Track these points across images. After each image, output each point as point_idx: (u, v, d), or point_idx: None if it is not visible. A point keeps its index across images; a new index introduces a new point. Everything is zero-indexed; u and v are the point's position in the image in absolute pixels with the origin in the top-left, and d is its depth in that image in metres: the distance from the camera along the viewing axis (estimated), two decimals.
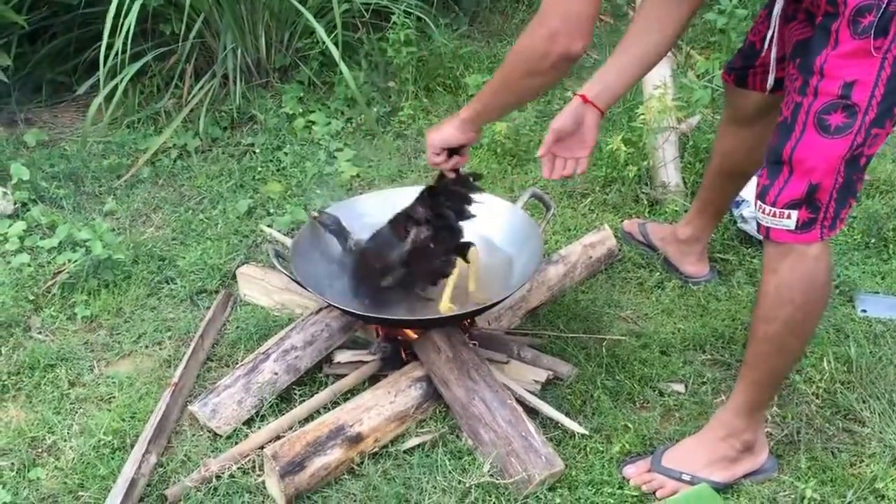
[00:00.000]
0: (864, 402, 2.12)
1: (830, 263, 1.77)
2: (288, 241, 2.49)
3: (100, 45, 3.30)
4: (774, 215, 1.68)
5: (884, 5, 1.54)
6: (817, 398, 2.14)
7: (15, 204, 2.90)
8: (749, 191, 2.58)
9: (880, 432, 2.04)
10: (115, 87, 3.13)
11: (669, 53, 3.11)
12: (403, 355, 2.19)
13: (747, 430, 1.91)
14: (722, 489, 1.90)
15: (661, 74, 2.98)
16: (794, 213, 1.67)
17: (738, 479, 1.93)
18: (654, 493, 1.91)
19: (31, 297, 2.52)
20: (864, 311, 2.41)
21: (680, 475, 1.91)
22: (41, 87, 3.59)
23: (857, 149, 1.64)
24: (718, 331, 2.35)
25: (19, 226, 2.77)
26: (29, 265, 2.62)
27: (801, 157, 1.65)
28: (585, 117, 1.86)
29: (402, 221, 2.11)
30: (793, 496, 1.91)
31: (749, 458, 1.94)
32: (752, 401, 1.89)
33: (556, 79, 1.74)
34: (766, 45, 2.04)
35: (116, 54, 2.97)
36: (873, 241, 2.67)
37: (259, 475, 1.94)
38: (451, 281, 2.14)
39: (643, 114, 2.81)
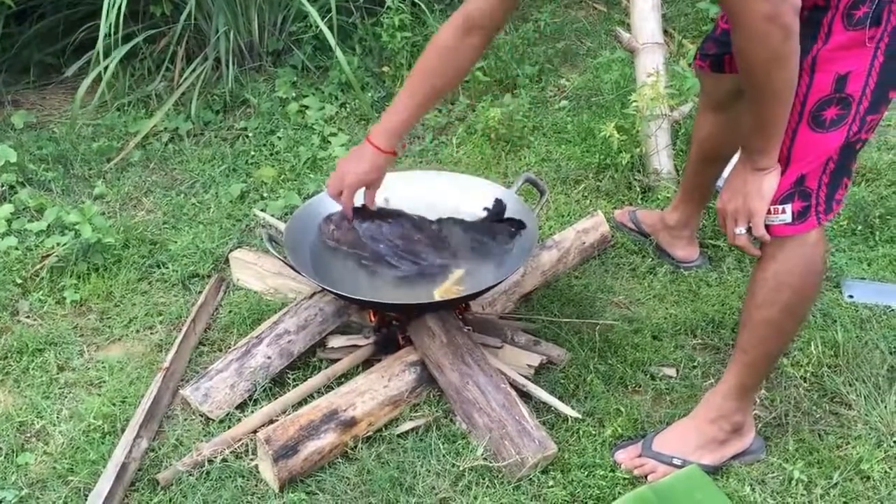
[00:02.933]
0: (850, 385, 2.14)
1: (826, 247, 1.79)
2: (281, 226, 2.49)
3: (88, 27, 3.29)
4: (771, 212, 1.69)
5: None
6: (805, 381, 2.16)
7: (2, 186, 2.88)
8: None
9: (866, 415, 2.06)
10: (105, 69, 3.11)
11: (662, 42, 3.13)
12: (400, 340, 2.19)
13: (738, 412, 1.93)
14: (711, 472, 1.91)
15: (653, 63, 3.00)
16: (788, 207, 1.69)
17: (727, 460, 1.96)
18: (645, 477, 1.93)
19: (19, 281, 2.50)
20: (851, 296, 2.44)
21: (671, 459, 1.92)
22: (29, 69, 3.56)
23: (853, 136, 1.65)
24: (709, 316, 2.37)
25: (6, 208, 2.75)
26: (17, 248, 2.61)
27: (797, 154, 1.66)
28: (381, 164, 2.07)
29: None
30: (781, 477, 1.93)
31: (737, 440, 1.96)
32: (744, 384, 1.91)
33: (796, 44, 1.50)
34: None
35: (106, 35, 2.95)
36: (860, 228, 2.69)
37: (252, 459, 1.94)
38: (455, 275, 2.17)
39: (636, 101, 2.81)
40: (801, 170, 1.67)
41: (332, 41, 3.18)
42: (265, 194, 2.93)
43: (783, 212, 1.69)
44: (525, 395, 2.06)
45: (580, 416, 2.05)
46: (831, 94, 1.61)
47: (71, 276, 2.52)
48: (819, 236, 1.75)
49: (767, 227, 1.71)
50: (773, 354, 1.91)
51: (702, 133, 2.38)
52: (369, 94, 3.40)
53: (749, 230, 1.71)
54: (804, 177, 1.67)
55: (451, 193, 2.32)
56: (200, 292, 2.45)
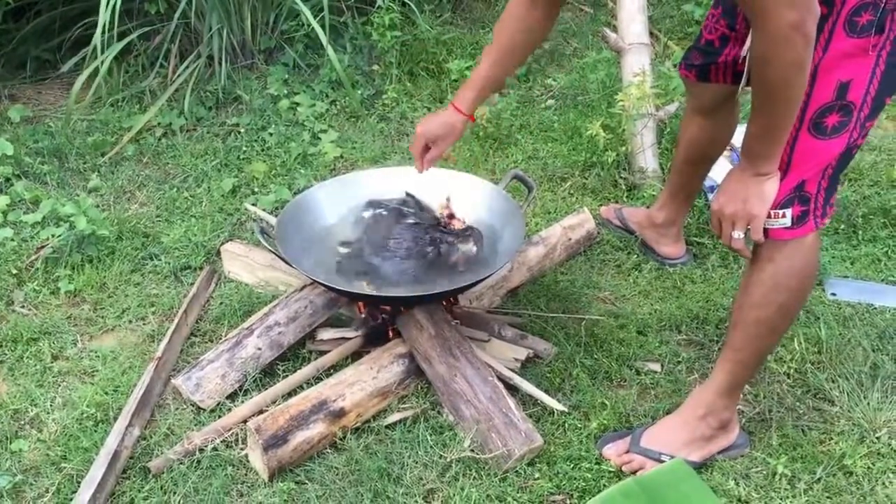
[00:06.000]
0: (833, 381, 2.16)
1: (819, 249, 1.81)
2: (272, 220, 2.51)
3: (84, 24, 3.31)
4: (770, 216, 1.70)
5: (882, 4, 1.55)
6: (788, 378, 2.19)
7: None
8: (718, 173, 2.64)
9: (849, 411, 2.08)
10: (100, 66, 3.13)
11: (648, 43, 3.16)
12: (389, 332, 2.21)
13: (725, 409, 1.95)
14: (698, 467, 1.93)
15: (640, 63, 3.02)
16: (788, 211, 1.70)
17: (713, 456, 1.98)
18: (634, 473, 1.93)
19: (14, 272, 2.53)
20: (834, 294, 2.46)
21: (659, 455, 1.94)
22: (25, 64, 3.59)
23: (853, 142, 1.67)
24: (693, 312, 2.39)
25: (3, 200, 2.77)
26: (12, 239, 2.63)
27: (798, 160, 1.67)
28: (455, 123, 2.09)
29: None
30: (765, 472, 1.95)
31: (723, 436, 1.98)
32: (734, 381, 1.92)
33: (812, 52, 1.51)
34: (726, 46, 2.08)
35: (102, 32, 2.97)
36: (843, 227, 2.72)
37: (242, 448, 1.96)
38: None
39: (622, 100, 2.84)
40: (801, 175, 1.68)
41: (323, 40, 3.22)
42: (256, 189, 2.96)
43: (783, 216, 1.70)
44: (512, 389, 2.08)
45: (566, 410, 2.07)
46: (833, 102, 1.62)
47: (65, 268, 2.54)
48: (815, 239, 1.76)
49: (765, 230, 1.71)
50: (765, 352, 1.93)
51: (688, 135, 2.40)
52: (359, 92, 3.44)
53: (746, 233, 1.71)
54: (804, 182, 1.68)
55: (440, 190, 2.35)
56: (192, 284, 2.48)
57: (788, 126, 1.59)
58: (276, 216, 2.52)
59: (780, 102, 1.55)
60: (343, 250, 2.27)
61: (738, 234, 1.70)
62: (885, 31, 1.58)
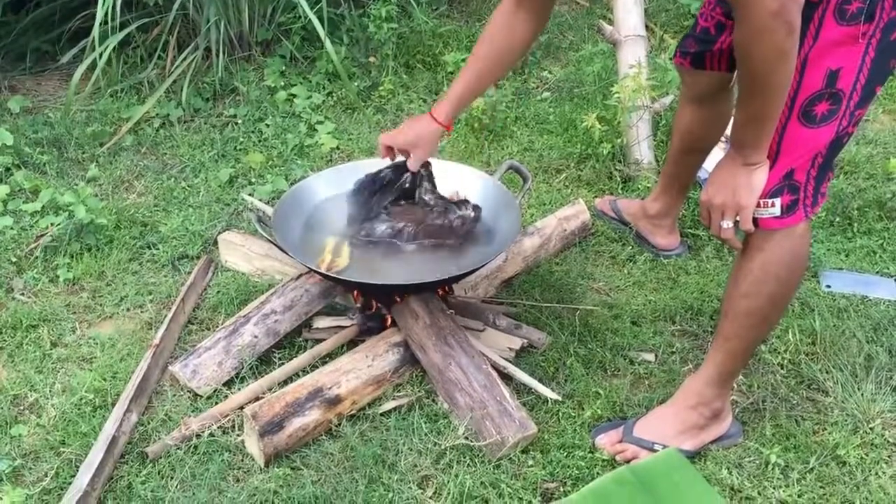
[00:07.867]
0: (827, 372, 2.18)
1: (810, 238, 1.81)
2: (269, 210, 2.52)
3: (83, 15, 3.31)
4: (760, 205, 1.71)
5: None
6: (782, 368, 2.20)
7: None
8: (713, 165, 2.65)
9: (842, 402, 2.09)
10: (99, 57, 3.15)
11: (644, 36, 3.17)
12: (386, 321, 2.22)
13: (717, 399, 1.96)
14: (691, 457, 1.94)
15: (635, 55, 3.04)
16: (778, 201, 1.71)
17: (706, 445, 1.99)
18: (627, 462, 1.93)
19: (14, 259, 2.54)
20: (829, 286, 2.48)
21: (652, 445, 1.95)
22: (25, 55, 3.59)
23: (842, 131, 1.68)
24: (688, 303, 2.41)
25: (3, 189, 2.79)
26: (12, 228, 2.65)
27: (787, 149, 1.68)
28: (429, 132, 2.10)
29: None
30: (758, 461, 1.96)
31: (716, 425, 1.99)
32: (725, 371, 1.93)
33: (797, 41, 1.52)
34: (722, 33, 2.09)
35: (101, 24, 2.99)
36: (838, 219, 2.74)
37: (238, 435, 1.98)
38: (329, 245, 2.19)
39: (618, 93, 2.85)
40: (790, 164, 1.68)
41: (320, 31, 3.22)
42: (253, 179, 2.97)
43: (772, 205, 1.71)
44: (506, 377, 2.10)
45: (560, 399, 2.08)
46: (822, 90, 1.62)
47: (64, 256, 2.56)
48: (805, 228, 1.77)
49: (755, 220, 1.72)
50: (755, 342, 1.94)
51: (683, 125, 2.41)
52: (356, 84, 3.44)
53: (735, 223, 1.71)
54: (793, 171, 1.69)
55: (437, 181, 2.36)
56: (190, 273, 2.49)
57: (775, 115, 1.60)
58: (272, 206, 2.53)
59: (765, 91, 1.56)
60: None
61: (726, 223, 1.71)
62: (875, 19, 1.58)
